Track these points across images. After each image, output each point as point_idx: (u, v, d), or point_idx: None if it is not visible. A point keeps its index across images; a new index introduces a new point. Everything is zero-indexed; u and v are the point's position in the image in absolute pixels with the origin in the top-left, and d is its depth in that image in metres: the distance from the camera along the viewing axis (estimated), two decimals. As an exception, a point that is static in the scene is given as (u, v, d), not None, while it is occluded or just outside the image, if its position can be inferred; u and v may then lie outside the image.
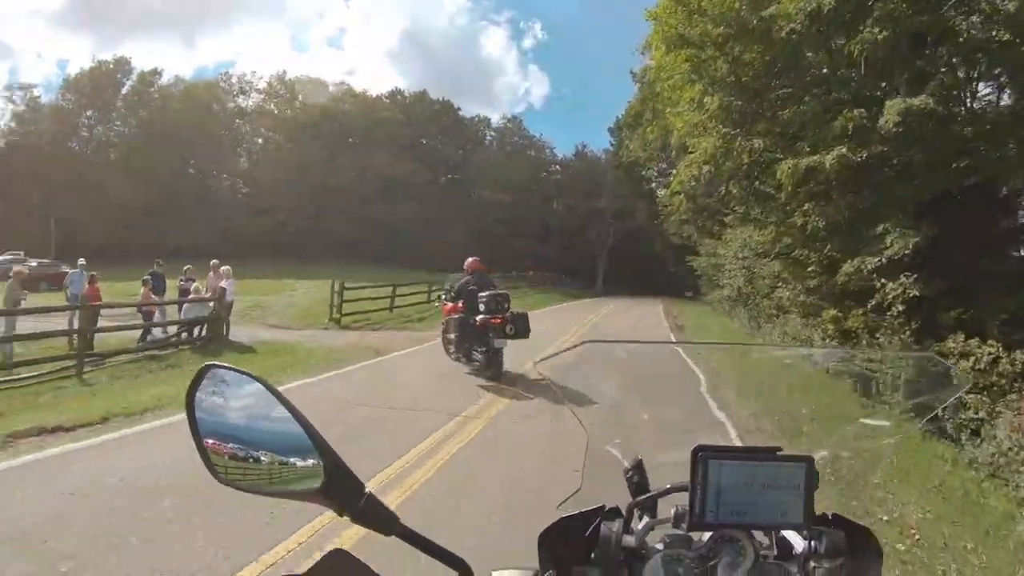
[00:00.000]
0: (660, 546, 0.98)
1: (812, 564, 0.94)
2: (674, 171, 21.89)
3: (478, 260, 10.80)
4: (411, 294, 23.32)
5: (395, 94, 63.28)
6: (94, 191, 50.38)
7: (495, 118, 66.67)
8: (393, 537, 0.85)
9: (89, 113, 55.93)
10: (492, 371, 9.57)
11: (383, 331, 16.83)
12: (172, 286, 15.65)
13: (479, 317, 9.50)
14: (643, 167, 42.71)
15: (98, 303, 13.05)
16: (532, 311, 11.70)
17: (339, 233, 50.03)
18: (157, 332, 13.67)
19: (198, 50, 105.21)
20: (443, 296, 11.32)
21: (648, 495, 1.08)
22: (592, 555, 0.99)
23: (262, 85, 61.42)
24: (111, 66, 57.12)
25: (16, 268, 14.46)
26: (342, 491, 0.84)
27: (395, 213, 51.98)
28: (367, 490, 0.85)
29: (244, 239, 47.84)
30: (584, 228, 56.19)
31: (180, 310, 13.88)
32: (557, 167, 65.44)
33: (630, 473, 1.13)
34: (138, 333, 13.04)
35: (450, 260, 47.11)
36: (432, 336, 13.36)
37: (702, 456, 0.92)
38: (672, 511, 1.00)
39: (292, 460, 0.89)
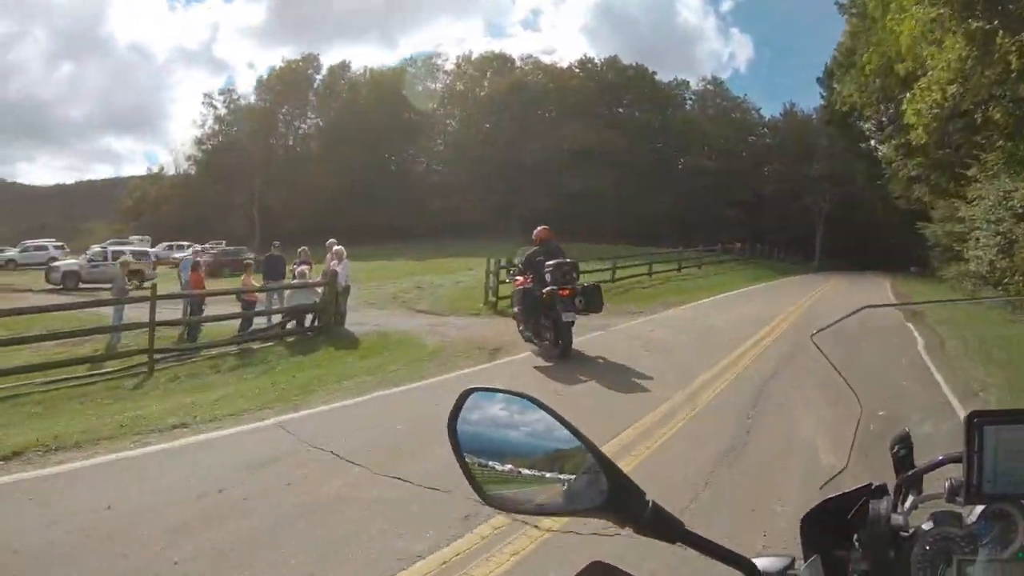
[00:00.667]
0: (928, 524, 0.95)
1: None
2: (905, 104, 17.76)
3: (547, 229, 10.67)
4: (596, 270, 20.18)
5: (585, 63, 62.93)
6: (293, 181, 55.73)
7: (694, 81, 65.14)
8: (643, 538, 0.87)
9: (284, 109, 62.66)
10: (561, 348, 9.41)
11: None
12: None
13: (545, 289, 9.38)
14: (860, 117, 39.42)
15: (198, 291, 13.42)
16: (737, 291, 11.06)
17: (534, 209, 48.52)
18: (262, 322, 13.35)
19: (399, 50, 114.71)
20: (512, 270, 11.30)
21: (916, 470, 1.07)
22: (857, 537, 0.98)
23: (450, 67, 64.66)
24: (300, 64, 63.52)
25: (123, 258, 15.73)
26: (626, 504, 0.85)
27: (591, 185, 50.95)
28: (650, 499, 0.86)
29: (439, 219, 49.93)
30: (799, 195, 52.82)
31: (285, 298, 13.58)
32: (765, 130, 62.77)
33: (896, 447, 1.12)
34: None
35: (655, 233, 44.70)
36: (599, 328, 11.76)
37: (978, 422, 0.90)
38: (946, 485, 0.97)
39: (570, 476, 0.90)
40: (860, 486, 1.03)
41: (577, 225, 47.06)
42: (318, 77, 64.35)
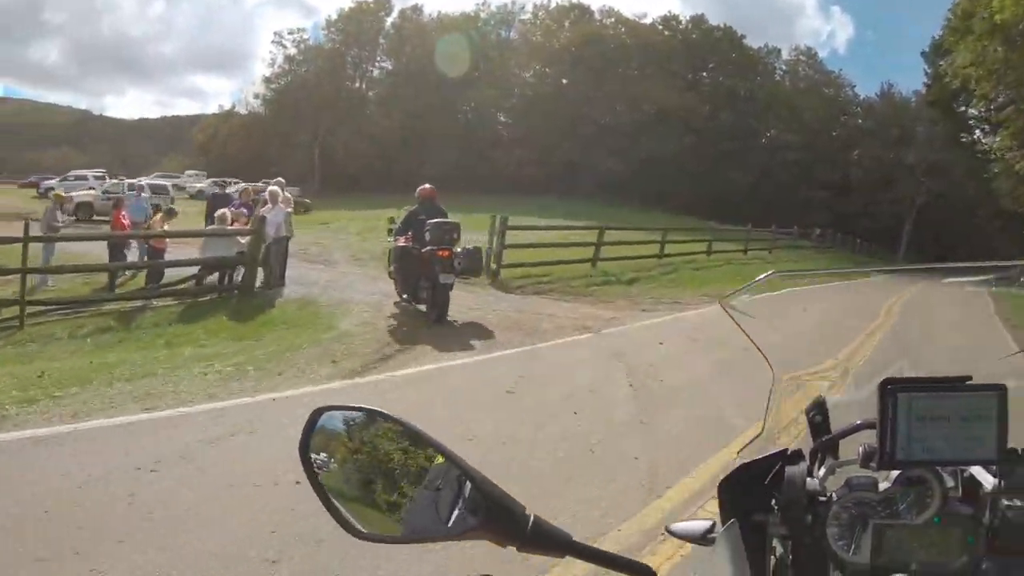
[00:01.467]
0: (844, 489, 0.97)
1: (1004, 502, 0.92)
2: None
3: (431, 188, 10.63)
4: (638, 242, 18.48)
5: (669, 19, 60.14)
6: (356, 124, 55.85)
7: (785, 51, 61.98)
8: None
9: (354, 52, 62.26)
10: (436, 312, 9.28)
11: (549, 296, 13.01)
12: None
13: (425, 249, 9.25)
14: (968, 100, 36.05)
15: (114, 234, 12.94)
16: (804, 288, 9.97)
17: (602, 170, 47.85)
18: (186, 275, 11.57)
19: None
20: (392, 228, 10.99)
21: (832, 435, 1.08)
22: (774, 502, 0.99)
23: (525, 16, 62.50)
24: (371, 5, 62.36)
25: (54, 192, 14.54)
26: (504, 521, 0.82)
27: (666, 150, 48.51)
28: (531, 513, 0.83)
29: (500, 174, 48.84)
30: (890, 183, 49.33)
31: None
32: (858, 109, 59.09)
33: (812, 413, 1.13)
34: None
35: (728, 208, 42.28)
36: (594, 322, 10.48)
37: (891, 389, 0.91)
38: (859, 450, 0.99)
39: (439, 497, 0.86)
40: (776, 451, 1.04)
41: (647, 192, 46.17)
42: (389, 20, 63.65)
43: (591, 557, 0.86)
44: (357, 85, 63.68)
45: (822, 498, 0.98)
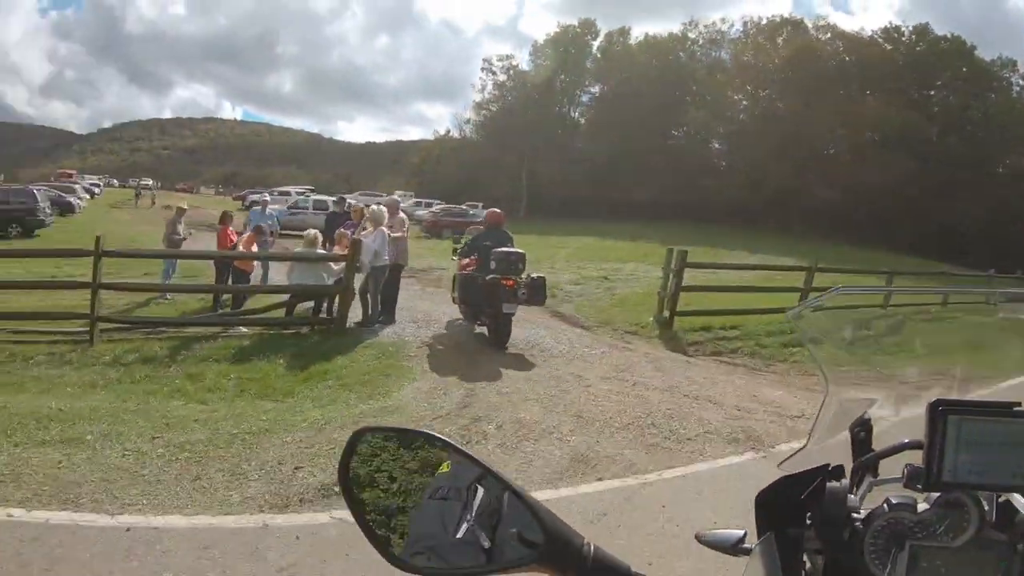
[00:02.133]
0: (883, 508, 0.98)
1: None
2: None
3: (498, 212, 10.83)
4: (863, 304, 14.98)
5: (890, 31, 56.20)
6: (563, 149, 57.68)
7: (1023, 63, 54.82)
8: None
9: (562, 76, 63.81)
10: (499, 337, 9.30)
11: (728, 361, 10.27)
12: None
13: (489, 277, 9.19)
14: None
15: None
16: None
17: (815, 199, 45.11)
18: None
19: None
20: (457, 250, 10.93)
21: (874, 453, 1.11)
22: (809, 516, 1.01)
23: (735, 34, 60.93)
24: (577, 29, 64.71)
25: (178, 204, 13.35)
26: (564, 553, 0.81)
27: (887, 179, 44.49)
28: (590, 543, 0.83)
29: (712, 202, 47.25)
30: None
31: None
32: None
33: (856, 430, 1.16)
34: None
35: (958, 247, 39.36)
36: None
37: (942, 411, 0.92)
38: (904, 470, 1.00)
39: (494, 527, 0.83)
40: (817, 466, 1.05)
41: (865, 226, 43.15)
42: (595, 43, 65.28)
43: None
44: (565, 110, 65.68)
45: (859, 515, 0.99)
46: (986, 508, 0.95)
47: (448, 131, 71.85)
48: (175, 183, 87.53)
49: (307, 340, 9.13)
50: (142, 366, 7.85)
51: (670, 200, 47.24)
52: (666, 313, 11.57)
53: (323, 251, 10.49)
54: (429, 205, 41.77)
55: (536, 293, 9.44)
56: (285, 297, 10.15)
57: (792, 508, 1.01)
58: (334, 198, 25.88)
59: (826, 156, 49.19)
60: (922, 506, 0.96)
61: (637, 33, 65.96)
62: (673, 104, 55.96)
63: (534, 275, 9.59)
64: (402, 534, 0.85)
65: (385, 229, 9.83)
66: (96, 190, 48.93)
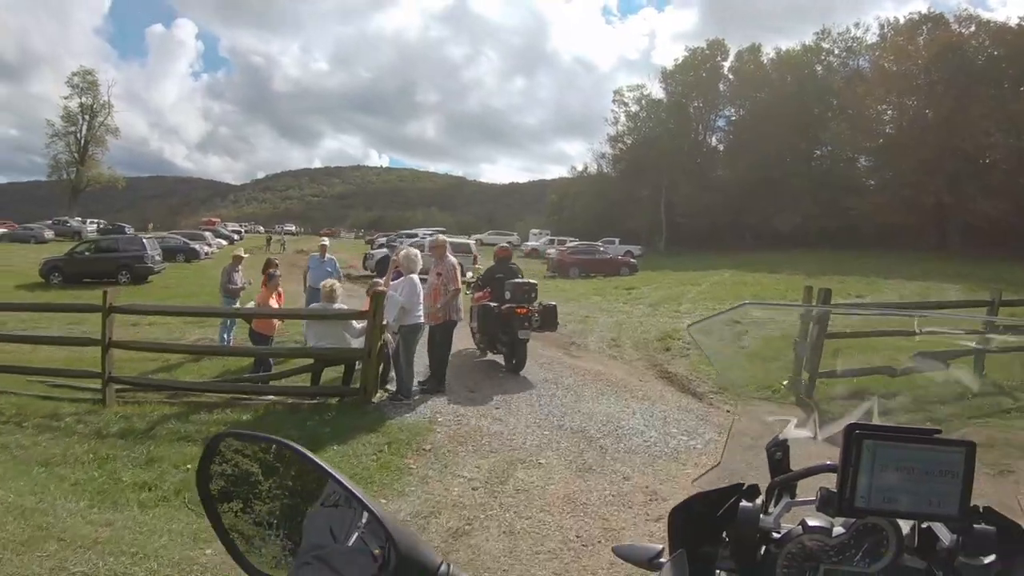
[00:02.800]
0: (798, 530, 0.98)
1: (960, 560, 0.94)
2: None
3: (506, 247, 11.87)
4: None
5: None
6: (700, 176, 56.90)
7: None
8: None
9: (695, 102, 63.89)
10: (515, 363, 10.05)
11: None
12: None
13: (504, 306, 9.90)
14: None
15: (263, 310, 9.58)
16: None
17: (977, 214, 41.04)
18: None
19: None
20: (470, 283, 11.54)
21: (790, 474, 1.10)
22: (725, 535, 1.01)
23: (872, 38, 57.67)
24: (706, 52, 64.19)
25: (236, 252, 11.86)
26: (416, 571, 0.79)
27: None
28: (445, 562, 0.81)
29: (861, 224, 45.31)
30: None
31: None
32: None
33: (772, 449, 1.15)
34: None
35: None
36: None
37: (857, 435, 0.92)
38: (817, 493, 0.99)
39: (347, 542, 0.82)
40: (732, 484, 1.06)
41: None
42: (726, 64, 64.61)
43: None
44: (700, 136, 65.26)
45: (775, 536, 0.99)
46: (905, 534, 0.97)
47: (585, 167, 72.71)
48: (320, 228, 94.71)
49: (325, 415, 7.66)
50: (120, 437, 6.80)
51: (814, 226, 45.83)
52: (805, 376, 10.05)
53: (343, 306, 8.96)
54: (563, 243, 42.42)
55: (548, 319, 10.12)
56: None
57: (706, 525, 1.03)
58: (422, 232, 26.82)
59: (983, 165, 45.26)
60: (839, 530, 0.98)
61: (768, 49, 64.37)
62: (812, 122, 54.19)
63: (546, 303, 10.32)
64: (258, 544, 0.85)
65: (416, 278, 8.33)
66: (236, 236, 54.43)
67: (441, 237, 10.01)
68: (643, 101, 66.55)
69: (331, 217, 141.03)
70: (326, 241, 12.74)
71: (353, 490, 0.82)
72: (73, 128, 67.36)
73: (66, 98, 67.37)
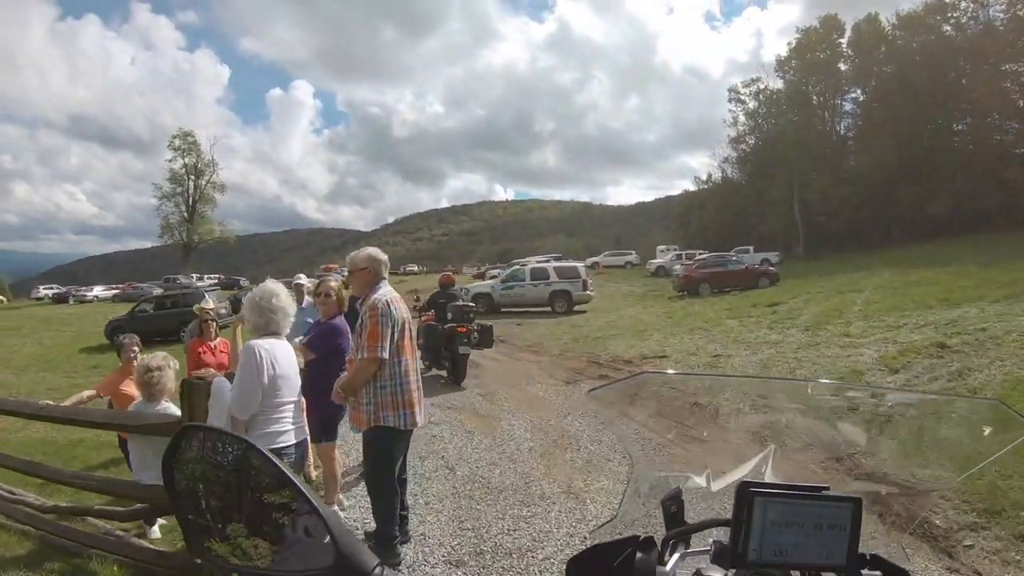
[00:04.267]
0: None
1: None
2: None
3: (450, 275, 14.20)
4: None
5: None
6: (833, 168, 53.86)
7: None
8: None
9: (816, 88, 60.74)
10: (456, 376, 11.49)
11: None
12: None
13: (447, 326, 11.58)
14: None
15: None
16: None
17: None
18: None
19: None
20: (416, 307, 13.01)
21: (685, 527, 1.17)
22: None
23: None
24: (820, 30, 60.58)
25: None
26: (356, 568, 0.85)
27: None
28: (380, 565, 0.86)
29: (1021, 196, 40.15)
30: None
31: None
32: None
33: (668, 503, 1.22)
34: None
35: None
36: None
37: (750, 491, 0.98)
38: (711, 546, 1.05)
39: (294, 537, 0.89)
40: (628, 535, 1.09)
41: None
42: (843, 41, 60.91)
43: None
44: (827, 126, 61.82)
45: None
46: None
47: (709, 176, 70.00)
48: (446, 265, 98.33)
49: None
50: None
51: (968, 207, 41.81)
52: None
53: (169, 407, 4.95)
54: (691, 257, 40.49)
55: (484, 337, 11.88)
56: None
57: None
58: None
59: None
60: None
61: (888, 16, 58.99)
62: (949, 89, 49.39)
63: (483, 323, 12.08)
64: (211, 530, 0.93)
65: (265, 348, 3.88)
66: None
67: (367, 252, 4.85)
68: (760, 96, 64.17)
69: (461, 253, 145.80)
70: (303, 279, 8.56)
71: (305, 492, 0.89)
72: (180, 188, 71.77)
73: (170, 160, 72.07)
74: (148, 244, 77.22)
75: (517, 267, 29.01)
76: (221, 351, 7.12)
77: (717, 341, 14.47)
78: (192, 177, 72.56)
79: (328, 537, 0.86)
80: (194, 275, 63.24)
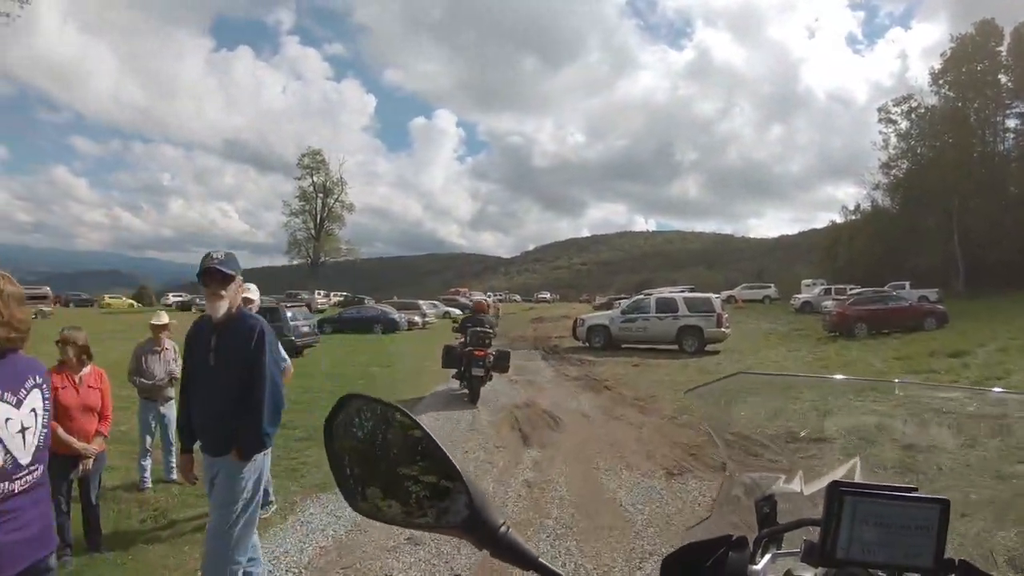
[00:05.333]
0: None
1: None
2: None
3: (481, 303, 15.73)
4: None
5: None
6: (997, 193, 50.10)
7: None
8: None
9: (974, 104, 56.34)
10: (470, 395, 12.40)
11: None
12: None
13: (465, 348, 12.64)
14: None
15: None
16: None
17: None
18: None
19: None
20: (455, 328, 14.41)
21: (776, 527, 1.20)
22: None
23: None
24: (976, 38, 56.51)
25: (154, 320, 7.37)
26: (483, 526, 0.95)
27: None
28: (506, 525, 0.96)
29: None
30: None
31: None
32: None
33: (760, 504, 1.26)
34: None
35: None
36: None
37: (840, 491, 1.00)
38: (801, 545, 1.07)
39: (435, 493, 0.99)
40: (722, 535, 1.13)
41: None
42: (1002, 48, 56.42)
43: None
44: (989, 147, 57.21)
45: None
46: None
47: (858, 205, 65.68)
48: (582, 294, 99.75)
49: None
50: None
51: None
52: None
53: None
54: (841, 292, 38.66)
55: (500, 361, 12.93)
56: None
57: (697, 574, 1.10)
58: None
59: None
60: None
61: None
62: None
63: (500, 349, 13.19)
64: (365, 487, 1.06)
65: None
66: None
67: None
68: (913, 115, 59.98)
69: (599, 284, 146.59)
70: (252, 292, 5.97)
71: (448, 455, 1.00)
72: (308, 206, 74.87)
73: (298, 178, 75.70)
74: (296, 262, 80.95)
75: (641, 297, 26.16)
76: (90, 386, 5.37)
77: (909, 413, 12.37)
78: (320, 195, 75.77)
79: (464, 495, 0.97)
80: (318, 292, 63.94)
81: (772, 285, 60.35)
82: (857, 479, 1.28)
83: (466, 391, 12.88)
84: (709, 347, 21.88)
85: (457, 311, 39.70)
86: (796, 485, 1.35)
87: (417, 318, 39.16)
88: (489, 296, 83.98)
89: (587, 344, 23.69)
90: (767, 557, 1.15)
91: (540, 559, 0.96)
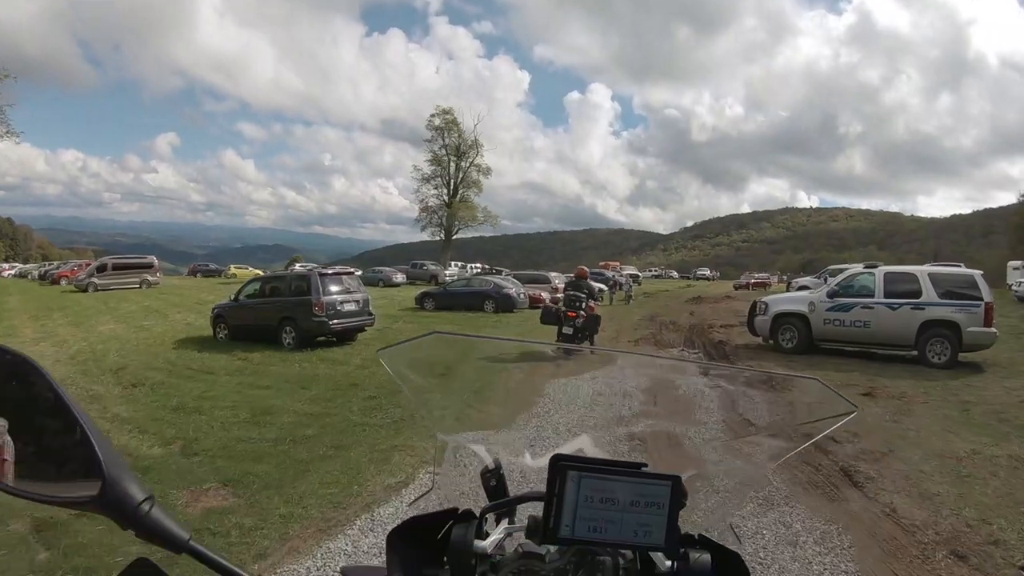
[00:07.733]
0: (514, 555, 1.04)
1: None
2: None
3: (582, 269, 16.76)
4: None
5: None
6: None
7: None
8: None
9: None
10: (557, 348, 11.18)
11: None
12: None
13: (558, 308, 15.37)
14: None
15: None
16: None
17: None
18: None
19: None
20: (560, 297, 16.69)
21: (502, 500, 1.19)
22: (445, 559, 1.04)
23: None
24: None
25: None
26: (122, 499, 0.82)
27: None
28: (149, 499, 0.84)
29: None
30: None
31: None
32: None
33: (487, 476, 1.25)
34: None
35: None
36: None
37: (561, 465, 0.96)
38: (527, 520, 1.05)
39: (63, 458, 0.84)
40: (447, 508, 1.10)
41: None
42: None
43: (206, 560, 0.87)
44: None
45: (495, 560, 1.04)
46: (623, 563, 1.04)
47: None
48: (743, 272, 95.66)
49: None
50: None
51: None
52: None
53: None
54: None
55: (589, 325, 14.71)
56: None
57: (426, 549, 1.08)
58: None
59: None
60: (556, 556, 1.04)
61: None
62: None
63: (593, 313, 14.97)
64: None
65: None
66: (622, 280, 42.67)
67: None
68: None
69: (762, 262, 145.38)
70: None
71: (69, 403, 0.87)
72: (440, 170, 69.20)
73: (428, 140, 69.82)
74: (430, 232, 75.45)
75: (861, 271, 16.24)
76: None
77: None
78: (454, 158, 69.58)
79: (99, 460, 0.83)
80: (453, 263, 61.62)
81: (962, 264, 54.45)
82: (588, 453, 1.29)
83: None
84: (962, 355, 14.12)
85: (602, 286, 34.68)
86: (524, 455, 1.35)
87: (545, 294, 29.96)
88: (648, 271, 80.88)
89: (770, 341, 16.35)
90: (498, 530, 1.13)
91: (193, 541, 0.86)
